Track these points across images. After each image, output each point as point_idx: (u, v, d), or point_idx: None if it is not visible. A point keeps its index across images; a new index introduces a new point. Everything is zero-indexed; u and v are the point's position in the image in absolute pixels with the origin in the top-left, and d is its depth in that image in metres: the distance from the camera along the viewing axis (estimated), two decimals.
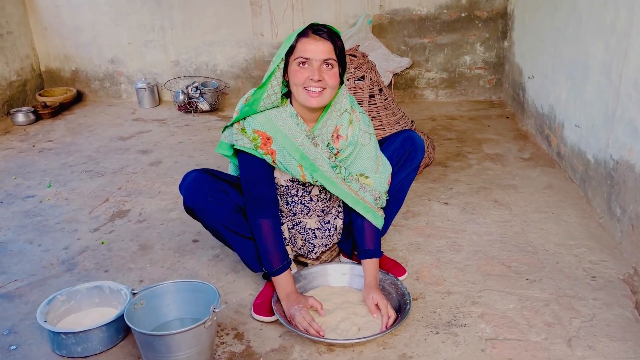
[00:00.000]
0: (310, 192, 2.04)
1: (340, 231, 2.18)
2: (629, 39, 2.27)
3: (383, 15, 4.58)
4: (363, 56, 3.15)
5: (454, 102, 4.67)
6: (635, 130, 2.20)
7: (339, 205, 2.17)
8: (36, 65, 5.10)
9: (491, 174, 3.14)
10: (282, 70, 1.82)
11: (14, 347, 1.87)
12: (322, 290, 2.06)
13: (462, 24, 4.52)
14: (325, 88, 1.80)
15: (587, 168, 2.72)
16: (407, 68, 4.63)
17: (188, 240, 2.54)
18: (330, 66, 1.80)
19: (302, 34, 1.79)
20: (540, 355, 1.73)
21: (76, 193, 3.13)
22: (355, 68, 3.06)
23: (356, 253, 2.23)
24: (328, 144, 1.93)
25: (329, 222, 2.14)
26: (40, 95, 4.92)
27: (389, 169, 2.02)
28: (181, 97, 4.62)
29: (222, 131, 1.99)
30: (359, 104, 3.02)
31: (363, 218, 2.00)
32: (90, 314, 1.97)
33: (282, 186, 2.01)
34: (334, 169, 1.92)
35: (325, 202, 2.08)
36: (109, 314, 1.93)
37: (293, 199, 2.04)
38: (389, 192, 2.08)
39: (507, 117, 4.18)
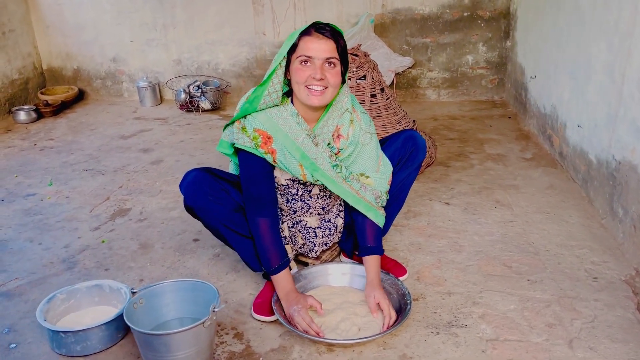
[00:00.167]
0: (310, 191, 2.03)
1: (341, 230, 2.17)
2: (632, 38, 2.26)
3: (385, 15, 4.57)
4: (365, 55, 3.14)
5: (456, 102, 4.66)
6: (638, 131, 2.19)
7: (340, 204, 2.16)
8: (38, 63, 5.10)
9: (493, 174, 3.13)
10: (283, 69, 1.82)
11: (14, 345, 1.87)
12: (323, 290, 2.05)
13: (464, 24, 4.50)
14: (327, 87, 1.79)
15: (590, 168, 2.71)
16: (409, 67, 4.62)
17: (189, 239, 2.53)
18: (332, 65, 1.79)
19: (305, 33, 1.78)
20: (541, 356, 1.73)
21: (77, 191, 3.13)
22: (357, 67, 3.05)
23: (357, 253, 2.23)
24: (329, 144, 1.92)
25: (329, 220, 2.13)
26: (42, 93, 4.92)
27: (389, 168, 2.01)
28: (183, 96, 4.62)
29: (223, 129, 1.98)
30: (361, 103, 3.02)
31: (364, 216, 1.99)
32: (90, 313, 1.97)
33: (283, 185, 2.00)
34: (335, 168, 1.91)
35: (325, 200, 2.07)
36: (109, 312, 1.93)
37: (293, 197, 2.04)
38: (390, 191, 2.07)
39: (509, 117, 4.17)
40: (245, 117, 1.86)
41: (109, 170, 3.43)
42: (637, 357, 1.71)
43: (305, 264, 2.20)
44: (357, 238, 2.05)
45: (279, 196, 2.04)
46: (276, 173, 1.97)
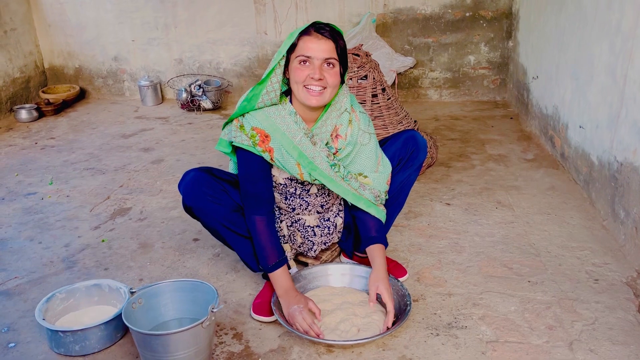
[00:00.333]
0: (309, 190, 2.03)
1: (341, 230, 2.17)
2: (635, 39, 2.25)
3: (387, 14, 4.56)
4: (366, 55, 3.13)
5: (458, 102, 4.65)
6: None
7: (340, 204, 2.16)
8: (40, 62, 5.10)
9: (494, 175, 3.12)
10: (282, 68, 1.82)
11: (13, 344, 1.87)
12: (322, 290, 2.05)
13: (466, 24, 4.49)
14: (325, 87, 1.79)
15: (591, 170, 2.70)
16: (410, 67, 4.61)
17: (189, 239, 2.53)
18: (331, 65, 1.79)
19: (304, 32, 1.78)
20: (542, 358, 1.72)
21: (77, 190, 3.12)
22: (358, 67, 3.05)
23: (357, 254, 2.22)
24: (327, 143, 1.92)
25: (328, 219, 2.13)
26: (43, 92, 4.92)
27: (389, 168, 2.00)
28: (184, 95, 4.62)
29: (222, 128, 1.98)
30: (362, 103, 3.01)
31: (365, 211, 1.99)
32: (89, 312, 1.97)
33: (281, 184, 2.00)
34: (333, 167, 1.91)
35: (324, 197, 2.07)
36: (108, 312, 1.93)
37: (292, 195, 2.03)
38: (390, 192, 2.06)
39: (511, 118, 4.16)
40: (243, 115, 1.86)
41: (109, 169, 3.43)
42: (638, 359, 1.70)
43: (305, 265, 2.19)
44: (360, 233, 2.04)
45: (277, 194, 2.03)
46: (274, 172, 1.97)
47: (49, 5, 4.96)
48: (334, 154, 1.93)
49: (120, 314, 1.76)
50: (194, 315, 1.83)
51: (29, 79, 4.93)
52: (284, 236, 2.08)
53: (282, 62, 1.81)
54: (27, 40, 4.92)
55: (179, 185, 1.91)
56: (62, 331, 1.77)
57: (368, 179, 1.97)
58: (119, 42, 4.98)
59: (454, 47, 4.57)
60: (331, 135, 1.92)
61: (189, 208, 1.93)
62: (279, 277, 1.89)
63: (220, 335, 1.88)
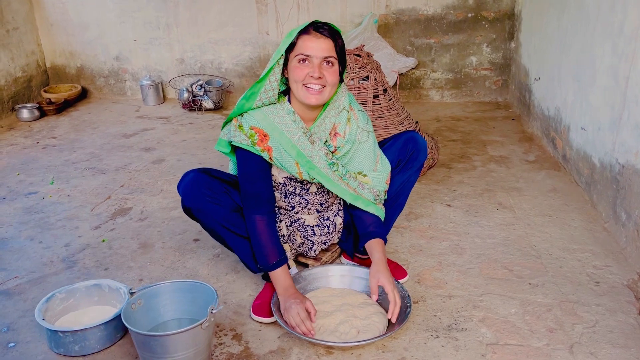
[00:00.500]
0: (308, 189, 2.03)
1: (340, 229, 2.16)
2: (637, 41, 2.24)
3: (389, 15, 4.55)
4: (368, 56, 3.13)
5: (460, 103, 4.64)
6: None
7: (339, 203, 2.15)
8: (42, 61, 5.11)
9: (495, 176, 3.11)
10: (281, 67, 1.82)
11: (12, 344, 1.87)
12: (322, 292, 2.04)
13: (468, 25, 4.49)
14: (324, 86, 1.80)
15: (593, 172, 2.69)
16: (412, 68, 4.61)
17: (189, 239, 2.53)
18: (330, 64, 1.80)
19: (303, 31, 1.78)
20: None
21: (78, 190, 3.12)
22: (359, 68, 3.04)
23: (358, 255, 2.22)
24: (325, 142, 1.92)
25: (328, 218, 2.12)
26: (45, 91, 4.93)
27: (388, 167, 2.00)
28: (185, 95, 4.62)
29: (222, 128, 1.98)
30: (363, 104, 3.00)
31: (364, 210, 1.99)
32: (88, 313, 1.97)
33: (280, 184, 2.00)
34: (331, 166, 1.91)
35: (323, 196, 2.07)
36: (108, 312, 1.93)
37: (291, 194, 2.03)
38: (391, 193, 2.06)
39: (513, 119, 4.15)
40: (242, 115, 1.87)
41: (110, 169, 3.43)
42: None
43: (305, 266, 2.19)
44: (357, 229, 2.03)
45: (277, 193, 2.03)
46: (273, 171, 1.97)
47: (51, 5, 4.96)
48: (332, 152, 1.93)
49: (120, 314, 1.75)
50: (193, 316, 1.83)
51: (31, 78, 4.93)
52: (283, 236, 2.08)
53: (281, 61, 1.82)
54: (29, 40, 4.92)
55: (178, 187, 1.91)
56: (61, 331, 1.77)
57: (367, 178, 1.96)
58: (120, 41, 4.99)
59: (456, 48, 4.56)
60: (330, 133, 1.93)
61: (188, 209, 1.93)
62: (280, 276, 1.89)
63: (220, 336, 1.87)
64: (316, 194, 2.05)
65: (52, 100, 4.69)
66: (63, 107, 4.77)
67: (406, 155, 2.03)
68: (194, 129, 4.20)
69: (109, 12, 4.90)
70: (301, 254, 2.19)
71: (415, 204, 2.79)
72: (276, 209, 2.08)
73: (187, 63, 4.95)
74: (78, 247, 2.49)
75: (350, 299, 1.99)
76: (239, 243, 1.97)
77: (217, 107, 4.70)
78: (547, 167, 3.21)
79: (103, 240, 2.54)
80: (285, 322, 1.81)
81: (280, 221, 2.08)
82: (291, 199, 2.04)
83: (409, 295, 1.91)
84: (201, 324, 1.61)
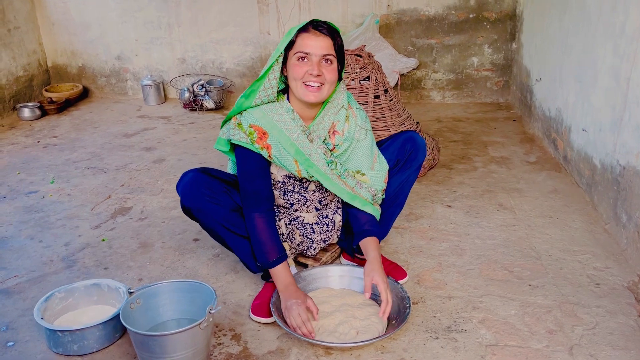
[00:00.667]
0: (307, 188, 2.03)
1: (339, 228, 2.16)
2: (638, 42, 2.23)
3: (390, 15, 4.55)
4: (369, 56, 3.12)
5: (461, 104, 4.64)
6: None
7: (338, 201, 2.15)
8: (43, 60, 5.11)
9: (496, 177, 3.10)
10: (280, 65, 1.83)
11: (11, 343, 1.87)
12: (322, 292, 2.04)
13: (470, 25, 4.48)
14: (323, 83, 1.81)
15: (594, 173, 2.68)
16: (413, 69, 4.60)
17: (189, 239, 2.52)
18: (329, 62, 1.81)
19: (303, 30, 1.80)
20: None
21: (79, 189, 3.13)
22: (360, 68, 3.04)
23: (358, 256, 2.21)
24: (324, 140, 1.93)
25: (327, 216, 2.12)
26: (46, 90, 4.93)
27: (385, 166, 2.01)
28: (186, 94, 4.62)
29: (221, 127, 1.98)
30: (364, 104, 3.00)
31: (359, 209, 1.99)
32: (88, 312, 1.97)
33: (279, 182, 2.00)
34: (330, 164, 1.91)
35: (322, 193, 2.07)
36: (107, 312, 1.93)
37: (290, 192, 2.03)
38: (390, 193, 2.06)
39: (514, 120, 4.14)
40: (241, 113, 1.88)
41: (111, 168, 3.43)
42: None
43: (305, 266, 2.19)
44: (352, 227, 2.03)
45: (275, 191, 2.03)
46: (273, 170, 1.97)
47: (53, 4, 4.96)
48: (331, 150, 1.93)
49: (119, 314, 1.75)
50: (192, 316, 1.83)
51: (32, 77, 4.93)
52: (282, 234, 2.08)
53: (280, 60, 1.83)
54: (30, 39, 4.92)
55: (177, 186, 1.92)
56: (60, 330, 1.77)
57: (365, 177, 1.97)
58: (122, 41, 4.99)
59: (457, 49, 4.56)
60: (329, 131, 1.93)
61: (187, 209, 1.93)
62: (280, 272, 1.89)
63: (219, 336, 1.87)
64: (315, 192, 2.05)
65: (54, 99, 4.70)
66: (64, 106, 4.77)
67: (405, 155, 2.03)
68: (194, 129, 4.20)
69: (110, 11, 4.90)
70: (301, 254, 2.19)
71: (415, 204, 2.79)
72: (275, 207, 2.08)
73: (188, 63, 4.95)
74: (78, 246, 2.49)
75: (350, 299, 1.98)
76: (239, 243, 1.97)
77: (218, 107, 4.70)
78: (548, 168, 3.20)
79: (103, 240, 2.54)
80: (285, 322, 1.80)
81: (280, 220, 2.08)
82: (290, 196, 2.04)
83: (408, 296, 1.90)
84: (200, 324, 1.61)
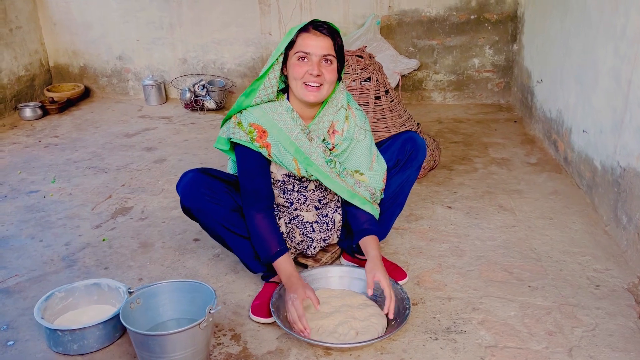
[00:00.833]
0: (306, 187, 2.03)
1: (339, 228, 2.16)
2: (639, 44, 2.23)
3: (392, 16, 4.55)
4: (370, 57, 3.13)
5: (462, 105, 4.64)
6: None
7: (338, 200, 2.16)
8: (45, 60, 5.12)
9: (496, 179, 3.10)
10: (280, 64, 1.85)
11: (11, 342, 1.87)
12: (321, 292, 2.03)
13: (471, 27, 4.48)
14: (323, 83, 1.82)
15: (594, 175, 2.68)
16: (414, 70, 4.60)
17: (189, 239, 2.53)
18: (329, 62, 1.82)
19: (303, 30, 1.81)
20: None
21: (80, 189, 3.13)
22: (361, 69, 3.04)
23: (358, 256, 2.21)
24: (323, 139, 1.93)
25: (327, 215, 2.13)
26: (48, 90, 4.94)
27: (384, 166, 2.02)
28: (188, 95, 4.62)
29: (221, 126, 1.99)
30: (365, 105, 3.00)
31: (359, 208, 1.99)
32: (88, 312, 1.97)
33: (279, 181, 2.01)
34: (329, 163, 1.92)
35: (322, 192, 2.07)
36: (107, 311, 1.93)
37: (290, 191, 2.03)
38: (390, 193, 2.06)
39: (515, 121, 4.14)
40: (241, 112, 1.89)
41: (112, 168, 3.44)
42: None
43: (305, 266, 2.19)
44: (352, 227, 2.03)
45: (275, 190, 2.03)
46: (272, 168, 1.98)
47: (55, 4, 4.97)
48: (330, 150, 1.94)
49: (119, 313, 1.76)
50: (192, 316, 1.83)
51: (34, 77, 4.94)
52: (282, 233, 2.08)
53: (280, 59, 1.84)
54: (32, 39, 4.93)
55: (177, 186, 1.92)
56: (60, 330, 1.77)
57: (364, 177, 1.98)
58: (124, 41, 5.00)
59: (458, 50, 4.56)
60: (328, 131, 1.94)
61: (187, 209, 1.94)
62: (282, 264, 1.88)
63: (219, 336, 1.87)
64: (314, 191, 2.05)
65: (55, 99, 4.70)
66: (66, 106, 4.78)
67: (405, 155, 2.04)
68: (195, 129, 4.21)
69: (112, 11, 4.91)
70: (301, 254, 2.19)
71: (415, 205, 2.79)
72: (275, 206, 2.09)
73: (189, 63, 4.95)
74: (78, 246, 2.50)
75: (350, 300, 1.98)
76: (239, 243, 1.98)
77: (219, 107, 4.71)
78: (548, 169, 3.20)
79: (103, 240, 2.54)
80: (284, 323, 1.81)
81: (279, 218, 2.08)
82: (290, 195, 2.04)
83: (408, 297, 1.90)
84: (199, 324, 1.61)
